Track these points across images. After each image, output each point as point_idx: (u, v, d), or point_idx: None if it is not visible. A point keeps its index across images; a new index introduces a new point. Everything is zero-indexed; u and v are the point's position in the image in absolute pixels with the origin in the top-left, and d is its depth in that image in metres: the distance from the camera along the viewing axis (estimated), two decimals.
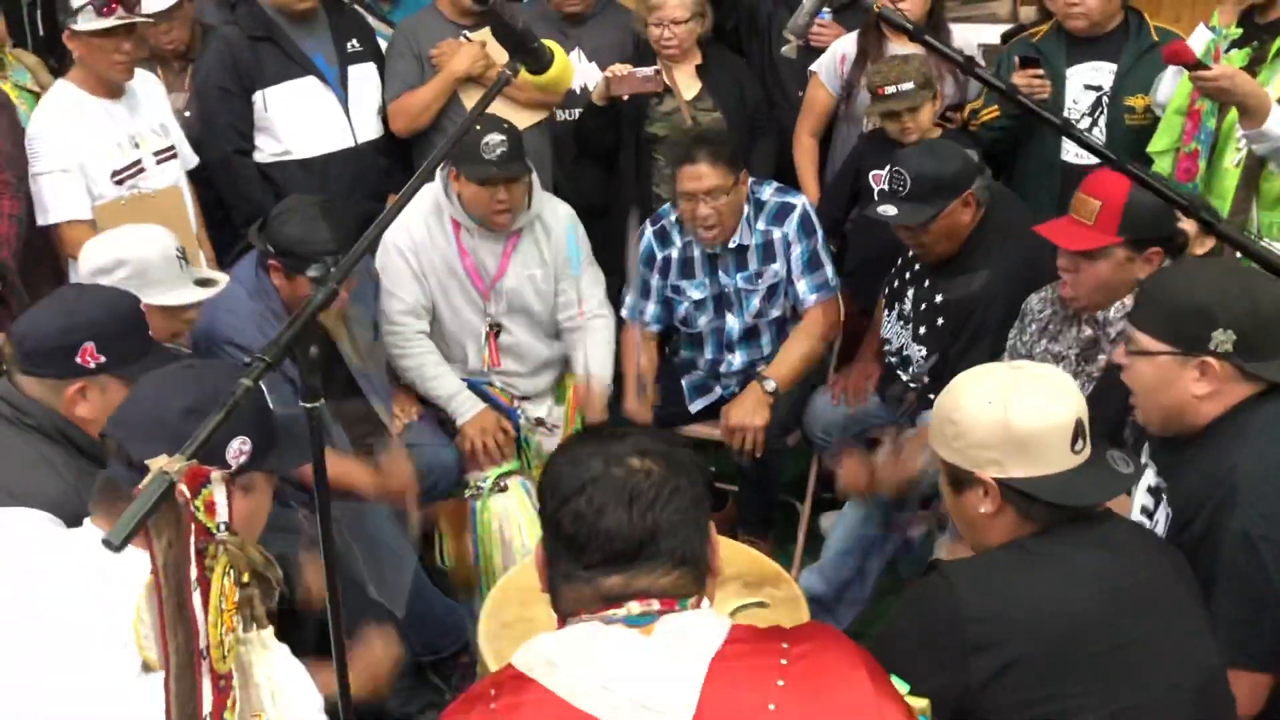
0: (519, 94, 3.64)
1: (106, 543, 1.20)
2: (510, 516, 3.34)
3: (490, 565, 3.35)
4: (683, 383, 3.66)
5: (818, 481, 3.68)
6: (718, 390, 3.64)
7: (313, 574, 2.17)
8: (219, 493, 1.31)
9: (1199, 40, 3.22)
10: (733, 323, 3.53)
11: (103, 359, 2.09)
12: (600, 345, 3.50)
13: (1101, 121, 3.55)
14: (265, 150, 3.70)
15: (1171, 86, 3.24)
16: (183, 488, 1.27)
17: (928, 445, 2.80)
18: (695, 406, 3.65)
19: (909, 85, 3.46)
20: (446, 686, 3.21)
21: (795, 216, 3.45)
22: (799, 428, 3.58)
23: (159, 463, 1.27)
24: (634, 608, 1.31)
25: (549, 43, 1.89)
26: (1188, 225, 2.81)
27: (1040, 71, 3.53)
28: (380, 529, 3.06)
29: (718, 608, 1.41)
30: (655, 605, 1.31)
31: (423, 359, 3.40)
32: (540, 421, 3.56)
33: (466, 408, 3.37)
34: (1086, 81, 3.56)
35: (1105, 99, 3.53)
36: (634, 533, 1.31)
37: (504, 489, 3.36)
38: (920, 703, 1.56)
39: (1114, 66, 3.51)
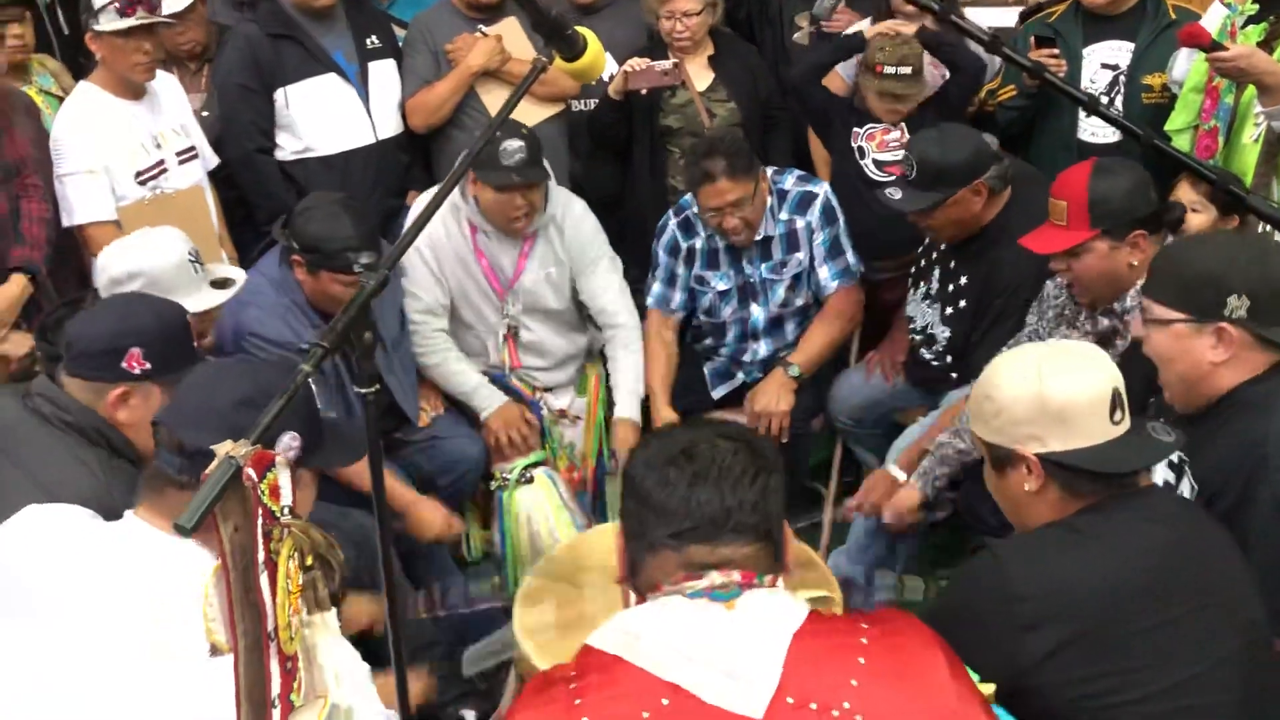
0: (536, 86, 3.65)
1: (179, 527, 1.22)
2: (537, 507, 3.35)
3: (519, 555, 3.37)
4: (704, 369, 3.67)
5: (842, 465, 3.69)
6: (740, 376, 3.65)
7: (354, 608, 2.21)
8: (283, 477, 1.33)
9: (1214, 17, 3.24)
10: (758, 313, 3.54)
11: (148, 365, 2.13)
12: (630, 377, 3.48)
13: (1118, 100, 3.56)
14: (286, 148, 3.71)
15: (1188, 64, 3.25)
16: (250, 471, 1.28)
17: (921, 476, 2.89)
18: (718, 393, 3.66)
19: (908, 70, 3.48)
20: (479, 678, 3.22)
21: (818, 205, 3.46)
22: (823, 412, 3.59)
23: (225, 448, 1.29)
24: (715, 578, 1.34)
25: (583, 29, 1.90)
26: (1191, 201, 2.84)
27: (1055, 51, 3.54)
28: None
29: None
30: (736, 576, 1.34)
31: (443, 355, 3.41)
32: (563, 413, 3.58)
33: (490, 401, 3.39)
34: (1104, 60, 3.57)
35: (1123, 78, 3.54)
36: (723, 503, 1.36)
37: (529, 480, 3.37)
38: (988, 689, 1.58)
39: (1131, 45, 3.52)
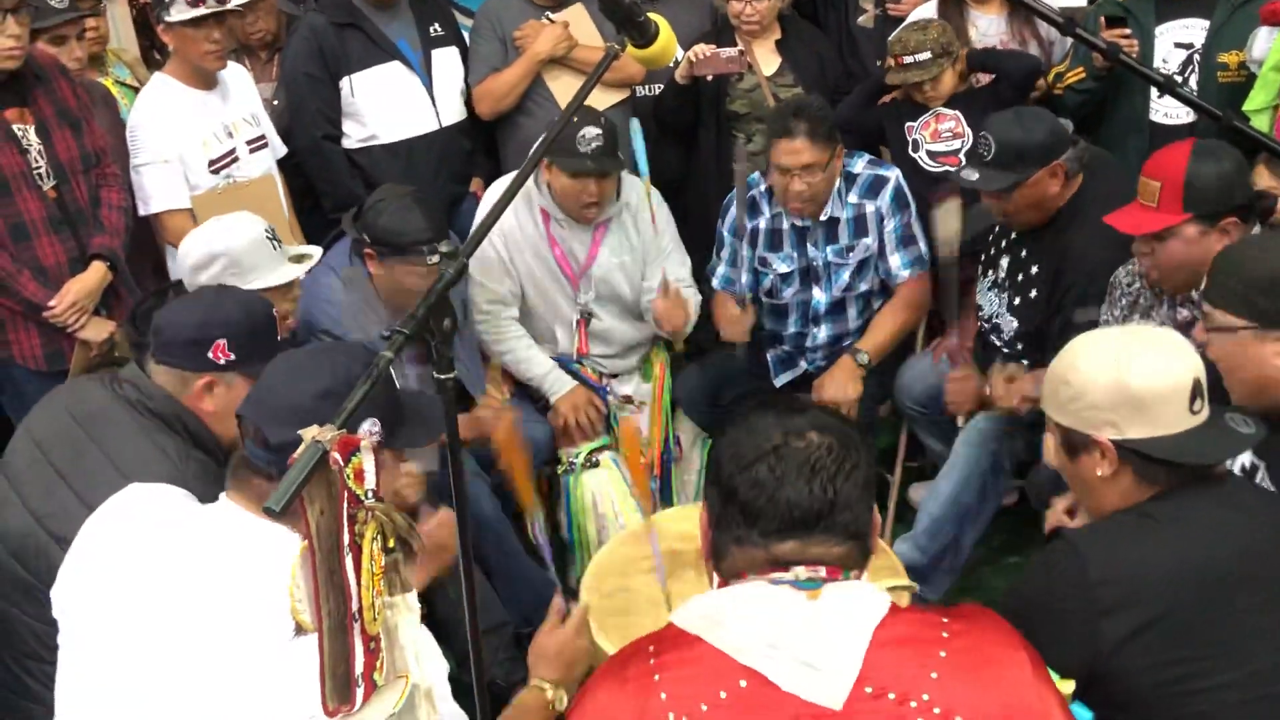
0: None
1: (267, 509, 1.25)
2: (603, 490, 3.38)
3: (585, 538, 3.40)
4: (768, 357, 3.67)
5: (907, 452, 3.68)
6: (803, 364, 3.64)
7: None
8: (367, 460, 1.36)
9: None
10: (819, 296, 3.52)
11: (233, 356, 2.17)
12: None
13: (1193, 80, 3.49)
14: (352, 136, 3.76)
15: (1268, 43, 3.18)
16: (335, 455, 1.31)
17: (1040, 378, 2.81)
18: (780, 381, 3.65)
19: (925, 55, 3.50)
20: None
21: (889, 190, 3.43)
22: (889, 399, 3.58)
23: (311, 432, 1.32)
24: (801, 572, 1.34)
25: (654, 15, 1.90)
26: (1269, 187, 2.77)
27: (1127, 31, 3.48)
28: (478, 502, 3.12)
29: None
30: (822, 572, 1.34)
31: (514, 343, 3.44)
32: (628, 399, 3.59)
33: (559, 385, 3.42)
34: (1177, 39, 3.50)
35: (1197, 57, 3.47)
36: (814, 504, 1.34)
37: (595, 464, 3.40)
38: (1068, 687, 1.57)
39: (1206, 23, 3.45)
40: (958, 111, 3.61)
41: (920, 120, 3.65)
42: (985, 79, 3.68)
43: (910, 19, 3.85)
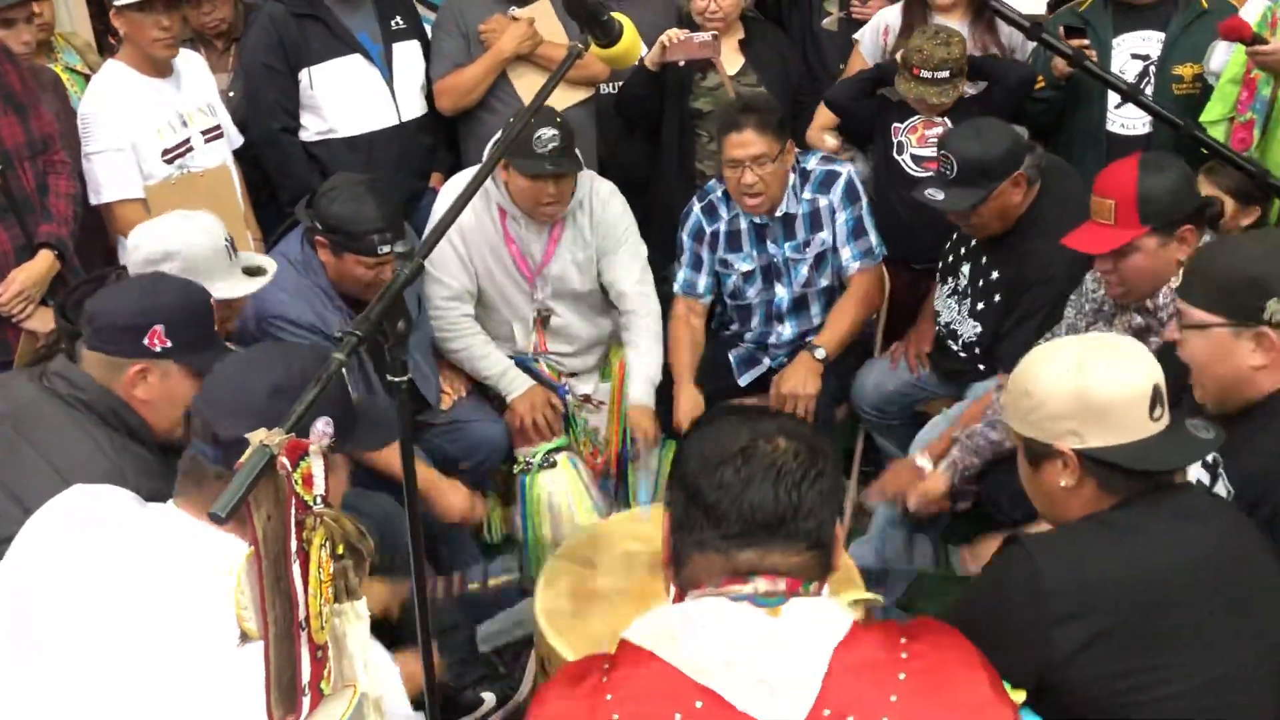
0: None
1: (213, 515, 1.22)
2: (559, 491, 3.36)
3: (539, 538, 3.37)
4: (730, 356, 3.66)
5: (864, 455, 3.68)
6: (766, 362, 3.63)
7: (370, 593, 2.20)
8: (316, 465, 1.33)
9: (1254, 8, 3.20)
10: (781, 293, 3.53)
11: (169, 344, 2.13)
12: (645, 363, 3.44)
13: (1148, 91, 3.51)
14: (311, 129, 3.70)
15: (1226, 55, 3.22)
16: (284, 460, 1.28)
17: (949, 465, 2.87)
18: (744, 380, 3.64)
19: (945, 73, 3.45)
20: (499, 660, 3.23)
21: (840, 184, 3.45)
22: (847, 401, 3.58)
23: (259, 436, 1.29)
24: (761, 585, 1.32)
25: (618, 15, 1.88)
26: (1207, 194, 2.80)
27: (1085, 41, 3.50)
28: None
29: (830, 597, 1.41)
30: (781, 585, 1.32)
31: (470, 340, 3.40)
32: (587, 398, 3.57)
33: (516, 385, 3.39)
34: (1134, 51, 3.53)
35: (1153, 68, 3.51)
36: (777, 507, 1.32)
37: (553, 464, 3.37)
38: (1018, 697, 1.57)
39: (1162, 35, 3.48)
40: (946, 119, 3.58)
41: (908, 124, 3.65)
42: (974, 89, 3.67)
43: (873, 21, 3.85)
